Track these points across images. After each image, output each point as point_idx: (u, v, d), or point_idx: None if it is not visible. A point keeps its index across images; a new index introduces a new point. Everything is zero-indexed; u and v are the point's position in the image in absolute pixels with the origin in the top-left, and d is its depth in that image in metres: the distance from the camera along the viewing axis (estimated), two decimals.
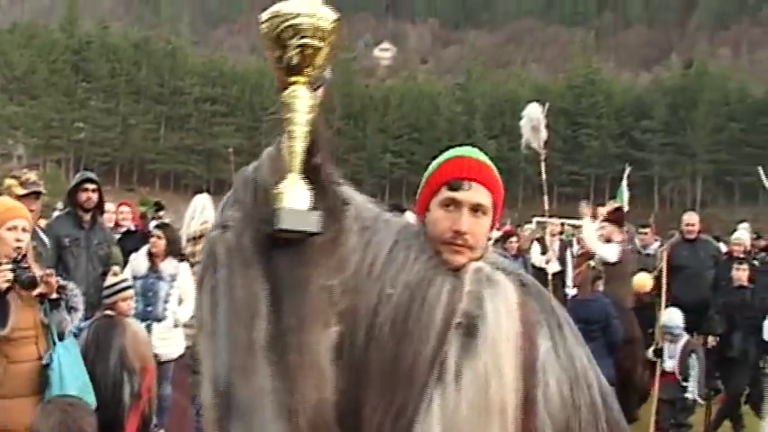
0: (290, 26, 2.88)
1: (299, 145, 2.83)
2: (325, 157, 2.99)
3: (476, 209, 3.21)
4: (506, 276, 3.17)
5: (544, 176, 14.18)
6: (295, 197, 2.75)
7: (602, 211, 18.30)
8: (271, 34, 2.92)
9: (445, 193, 3.25)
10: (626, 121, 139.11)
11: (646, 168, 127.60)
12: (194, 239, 11.39)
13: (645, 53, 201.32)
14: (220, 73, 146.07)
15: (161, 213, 22.20)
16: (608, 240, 13.63)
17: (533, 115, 13.64)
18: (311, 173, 2.92)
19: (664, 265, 12.32)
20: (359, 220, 3.12)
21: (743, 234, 16.21)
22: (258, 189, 3.00)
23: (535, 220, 39.58)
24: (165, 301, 10.74)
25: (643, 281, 13.29)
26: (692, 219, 14.88)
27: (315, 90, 3.02)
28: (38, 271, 6.45)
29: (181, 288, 10.93)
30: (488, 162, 3.40)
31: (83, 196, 10.28)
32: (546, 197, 15.25)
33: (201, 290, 2.97)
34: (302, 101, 2.87)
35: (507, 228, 24.42)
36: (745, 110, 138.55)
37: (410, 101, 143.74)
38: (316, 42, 2.89)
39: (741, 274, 12.78)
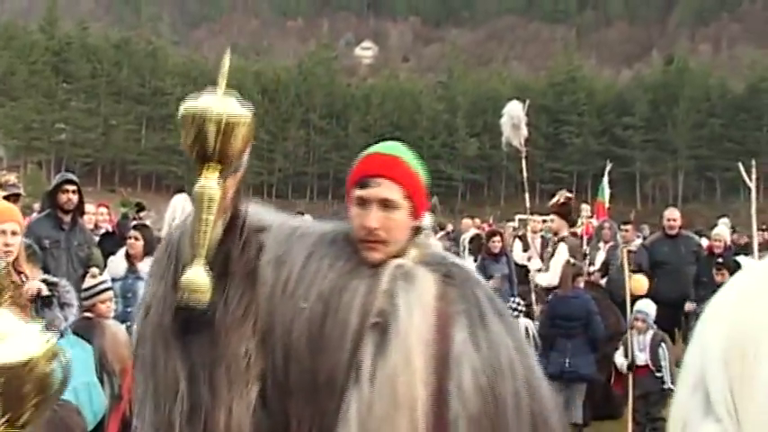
0: (205, 120, 2.96)
1: (205, 237, 2.85)
2: (235, 240, 3.04)
3: (385, 204, 3.29)
4: (429, 270, 3.26)
5: (525, 174, 14.22)
6: (197, 284, 2.84)
7: (586, 208, 18.33)
8: (187, 126, 2.98)
9: (355, 192, 3.38)
10: (607, 118, 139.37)
11: (627, 165, 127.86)
12: None
13: (626, 50, 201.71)
14: (201, 73, 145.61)
15: (142, 214, 22.17)
16: (555, 234, 13.57)
17: (514, 113, 13.66)
18: (221, 258, 3.00)
19: (625, 263, 12.31)
20: (273, 248, 3.22)
21: (723, 230, 16.26)
22: (177, 265, 3.12)
23: (517, 217, 39.64)
24: None
25: (640, 282, 13.27)
26: (672, 214, 14.92)
27: (229, 176, 3.07)
28: (32, 273, 6.38)
29: None
30: (402, 156, 3.49)
31: (63, 197, 10.25)
32: (527, 194, 15.27)
33: (134, 364, 3.19)
34: (212, 193, 2.90)
35: (490, 226, 24.42)
36: (725, 106, 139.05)
37: (392, 99, 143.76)
38: (229, 137, 2.94)
39: (721, 278, 12.79)
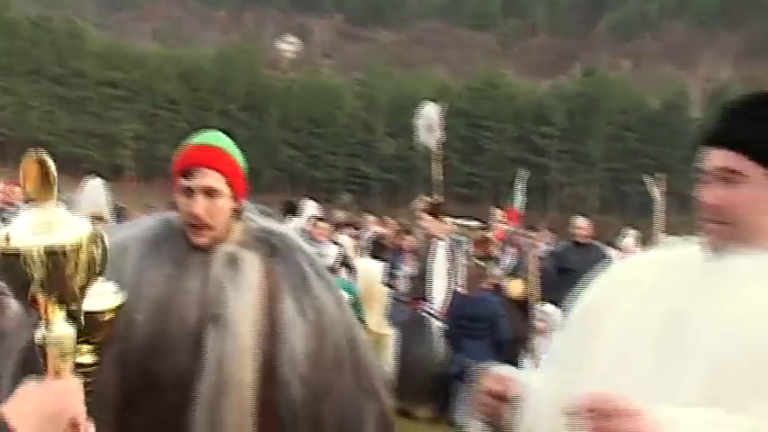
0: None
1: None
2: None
3: (209, 192, 3.53)
4: (253, 249, 3.58)
5: (439, 176, 14.28)
6: None
7: (499, 213, 18.43)
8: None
9: (181, 182, 3.58)
10: (525, 125, 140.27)
11: (543, 173, 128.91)
12: None
13: (548, 60, 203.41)
14: (122, 57, 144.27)
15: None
16: (430, 237, 13.65)
17: (429, 115, 13.75)
18: None
19: (531, 268, 12.47)
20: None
21: (630, 241, 16.55)
22: None
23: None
24: None
25: (514, 285, 13.49)
26: (581, 223, 15.15)
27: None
28: None
29: None
30: (222, 146, 3.69)
31: None
32: (441, 197, 15.36)
33: None
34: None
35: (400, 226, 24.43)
36: (642, 121, 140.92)
37: (312, 95, 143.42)
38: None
39: None
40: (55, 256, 2.12)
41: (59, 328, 2.21)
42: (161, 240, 3.58)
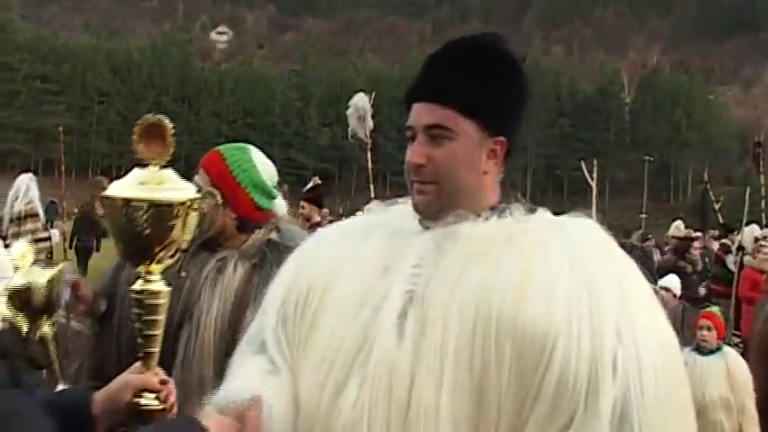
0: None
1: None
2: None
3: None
4: (247, 259, 3.78)
5: (370, 165, 14.31)
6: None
7: None
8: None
9: None
10: None
11: None
12: (18, 220, 11.11)
13: None
14: (52, 49, 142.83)
15: None
16: (307, 220, 13.52)
17: (359, 104, 13.66)
18: None
19: None
20: None
21: None
22: None
23: (366, 208, 39.83)
24: None
25: None
26: None
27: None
28: None
29: None
30: (224, 153, 4.00)
31: None
32: (372, 185, 15.35)
33: None
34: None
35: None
36: (575, 106, 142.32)
37: (245, 85, 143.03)
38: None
39: None
40: (162, 211, 2.30)
41: (156, 282, 2.37)
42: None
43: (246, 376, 2.34)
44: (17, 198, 11.74)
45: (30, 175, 12.34)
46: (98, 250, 26.30)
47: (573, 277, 2.15)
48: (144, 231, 2.30)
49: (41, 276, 4.16)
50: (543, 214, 2.41)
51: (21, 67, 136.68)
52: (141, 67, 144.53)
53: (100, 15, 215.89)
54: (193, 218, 2.39)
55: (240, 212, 3.88)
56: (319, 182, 13.70)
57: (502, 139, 2.40)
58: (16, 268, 4.21)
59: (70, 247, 14.94)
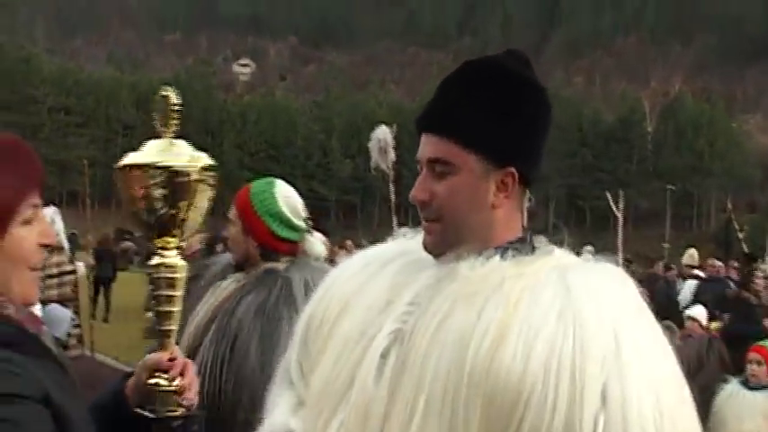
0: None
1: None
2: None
3: (230, 220, 4.33)
4: (238, 281, 4.16)
5: (393, 197, 14.34)
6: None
7: None
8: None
9: None
10: None
11: None
12: None
13: None
14: (76, 82, 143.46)
15: None
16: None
17: (381, 137, 13.72)
18: None
19: None
20: None
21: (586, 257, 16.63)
22: None
23: (389, 240, 39.95)
24: None
25: None
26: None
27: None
28: None
29: None
30: (252, 187, 4.36)
31: None
32: (395, 218, 15.36)
33: None
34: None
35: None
36: (597, 136, 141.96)
37: (268, 117, 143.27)
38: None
39: None
40: (178, 176, 2.33)
41: (173, 256, 2.34)
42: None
43: (279, 412, 2.32)
44: None
45: (54, 208, 12.39)
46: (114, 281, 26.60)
47: (558, 328, 2.01)
48: (158, 200, 2.30)
49: None
50: (551, 254, 2.28)
51: (45, 99, 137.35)
52: None
53: (123, 48, 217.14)
54: (207, 190, 2.40)
55: (259, 240, 4.16)
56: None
57: (512, 170, 2.25)
58: None
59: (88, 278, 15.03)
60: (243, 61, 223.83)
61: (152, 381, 2.28)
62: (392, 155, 13.66)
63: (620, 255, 13.07)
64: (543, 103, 2.39)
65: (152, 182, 2.31)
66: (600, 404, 1.95)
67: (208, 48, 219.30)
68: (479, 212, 2.24)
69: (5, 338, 1.86)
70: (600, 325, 2.03)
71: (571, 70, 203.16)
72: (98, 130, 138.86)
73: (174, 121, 2.50)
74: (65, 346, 10.35)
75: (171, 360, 2.30)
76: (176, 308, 2.34)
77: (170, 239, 2.35)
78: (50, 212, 12.18)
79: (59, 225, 11.95)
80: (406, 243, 2.45)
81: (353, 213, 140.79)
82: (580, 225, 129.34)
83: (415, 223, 2.39)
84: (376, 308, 2.26)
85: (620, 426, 1.94)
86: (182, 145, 2.46)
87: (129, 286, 29.65)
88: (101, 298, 25.04)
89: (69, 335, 11.09)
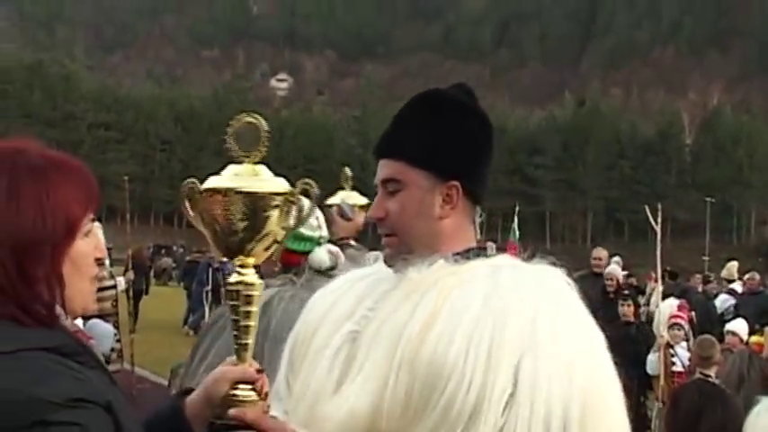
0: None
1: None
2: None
3: None
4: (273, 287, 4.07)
5: None
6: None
7: (491, 245, 18.47)
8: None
9: None
10: (519, 157, 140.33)
11: (537, 204, 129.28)
12: None
13: (539, 91, 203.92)
14: (115, 99, 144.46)
15: None
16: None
17: None
18: None
19: None
20: None
21: (614, 268, 16.46)
22: None
23: (368, 255, 40.19)
24: None
25: None
26: (601, 253, 15.14)
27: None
28: None
29: None
30: None
31: None
32: None
33: None
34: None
35: None
36: (635, 149, 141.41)
37: (305, 132, 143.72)
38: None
39: (627, 309, 13.03)
40: (258, 201, 2.42)
41: (251, 275, 2.44)
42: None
43: None
44: None
45: (96, 223, 12.46)
46: (147, 293, 26.82)
47: (482, 312, 2.19)
48: (240, 222, 2.42)
49: None
50: (492, 258, 2.47)
51: (85, 116, 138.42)
52: (202, 116, 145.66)
53: (162, 65, 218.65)
54: (289, 211, 2.49)
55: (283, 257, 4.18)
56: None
57: (455, 183, 2.46)
58: None
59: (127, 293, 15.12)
60: (280, 76, 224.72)
61: (237, 393, 2.35)
62: None
63: (659, 268, 12.98)
64: (482, 125, 2.65)
65: (233, 206, 2.41)
66: (511, 381, 2.10)
67: (245, 63, 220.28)
68: (427, 223, 2.45)
69: (67, 348, 1.95)
70: (520, 311, 2.19)
71: (608, 82, 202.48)
72: (137, 146, 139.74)
73: (263, 148, 2.59)
74: (107, 361, 10.43)
75: (258, 372, 2.39)
76: (253, 322, 2.43)
77: (248, 259, 2.46)
78: (94, 227, 12.31)
79: (101, 240, 12.06)
80: (380, 264, 2.60)
81: None
82: (618, 237, 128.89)
83: None
84: (342, 318, 2.46)
85: (527, 403, 2.07)
86: (263, 171, 2.56)
87: (164, 300, 29.89)
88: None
89: (112, 349, 11.16)
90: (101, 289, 11.68)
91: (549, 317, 2.20)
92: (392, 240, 2.49)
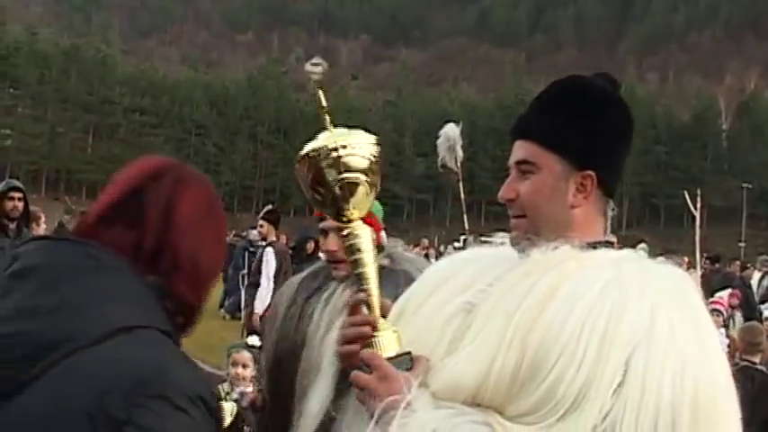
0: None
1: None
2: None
3: (339, 230, 4.04)
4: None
5: (463, 195, 14.26)
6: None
7: None
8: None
9: (318, 225, 4.26)
10: None
11: None
12: None
13: None
14: (150, 83, 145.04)
15: None
16: (264, 239, 14.53)
17: (449, 135, 13.62)
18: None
19: None
20: None
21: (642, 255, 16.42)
22: None
23: (462, 237, 40.01)
24: None
25: None
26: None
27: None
28: None
29: None
30: None
31: (8, 204, 10.02)
32: (465, 215, 15.32)
33: None
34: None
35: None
36: (671, 134, 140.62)
37: (340, 116, 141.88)
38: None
39: None
40: (353, 152, 2.54)
41: (357, 225, 2.54)
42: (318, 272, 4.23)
43: None
44: None
45: None
46: None
47: (599, 299, 2.17)
48: (339, 176, 2.52)
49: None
50: (618, 252, 2.42)
51: (121, 100, 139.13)
52: (237, 100, 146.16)
53: (197, 49, 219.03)
54: (377, 170, 2.58)
55: (377, 230, 4.09)
56: (275, 207, 15.01)
57: (590, 173, 2.45)
58: None
59: None
60: (315, 60, 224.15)
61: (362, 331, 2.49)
62: (460, 152, 13.58)
63: (698, 254, 12.89)
64: (624, 117, 2.62)
65: (326, 164, 2.55)
66: (621, 371, 2.08)
67: (280, 47, 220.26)
68: (558, 209, 2.44)
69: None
70: (640, 302, 2.16)
71: (644, 67, 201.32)
72: (172, 130, 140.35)
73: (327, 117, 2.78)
74: None
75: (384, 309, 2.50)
76: (366, 269, 2.52)
77: (351, 212, 2.56)
78: None
79: None
80: (500, 248, 2.60)
81: (426, 211, 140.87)
82: (654, 224, 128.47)
83: (487, 221, 2.53)
84: (458, 290, 2.45)
85: (637, 394, 2.05)
86: (350, 130, 2.70)
87: None
88: None
89: None
90: None
91: (668, 314, 2.16)
92: (520, 222, 2.48)
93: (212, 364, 15.39)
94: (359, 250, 2.54)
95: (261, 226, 14.62)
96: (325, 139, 2.66)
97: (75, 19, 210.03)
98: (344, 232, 2.58)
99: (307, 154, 2.66)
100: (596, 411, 2.05)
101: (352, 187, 2.55)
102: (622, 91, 2.64)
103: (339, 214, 2.60)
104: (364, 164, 2.58)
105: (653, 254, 2.43)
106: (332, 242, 4.01)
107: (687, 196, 12.16)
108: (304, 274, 4.37)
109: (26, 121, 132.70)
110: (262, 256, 14.30)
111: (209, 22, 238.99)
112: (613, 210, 2.59)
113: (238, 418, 4.79)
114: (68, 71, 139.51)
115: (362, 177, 2.56)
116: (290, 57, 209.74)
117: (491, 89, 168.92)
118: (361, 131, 2.70)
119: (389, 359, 2.37)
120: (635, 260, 2.37)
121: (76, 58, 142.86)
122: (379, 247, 3.93)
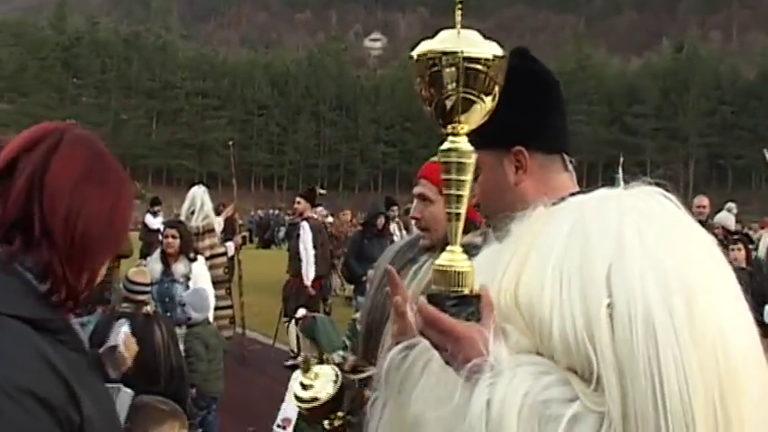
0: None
1: (463, 208, 2.30)
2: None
3: (423, 198, 4.11)
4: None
5: None
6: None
7: None
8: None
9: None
10: (617, 106, 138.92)
11: (638, 153, 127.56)
12: (196, 236, 11.18)
13: (635, 38, 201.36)
14: (211, 66, 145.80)
15: (156, 208, 22.25)
16: (300, 214, 14.62)
17: None
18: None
19: None
20: None
21: (723, 216, 16.17)
22: None
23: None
24: (183, 304, 9.34)
25: None
26: (703, 201, 14.98)
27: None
28: None
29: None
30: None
31: None
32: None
33: None
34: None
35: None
36: (736, 93, 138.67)
37: (401, 90, 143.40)
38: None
39: (738, 254, 12.61)
40: (471, 64, 2.25)
41: (463, 142, 2.30)
42: (414, 243, 4.17)
43: None
44: (192, 212, 11.90)
45: (203, 188, 12.42)
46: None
47: (568, 240, 2.15)
48: (450, 83, 2.26)
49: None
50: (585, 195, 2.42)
51: (183, 84, 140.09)
52: (298, 79, 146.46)
53: (256, 30, 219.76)
54: (495, 80, 2.27)
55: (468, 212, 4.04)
56: (313, 187, 15.52)
57: (519, 148, 2.53)
58: None
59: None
60: (374, 36, 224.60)
61: (442, 261, 2.24)
62: None
63: None
64: (529, 83, 2.72)
65: (438, 69, 2.27)
66: (606, 292, 2.02)
67: (338, 24, 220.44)
68: (508, 194, 2.54)
69: (52, 325, 2.01)
70: (605, 227, 2.12)
71: (707, 26, 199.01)
72: (235, 112, 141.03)
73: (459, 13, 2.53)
74: (220, 327, 10.48)
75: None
76: (465, 192, 2.27)
77: (460, 125, 2.31)
78: (200, 193, 12.31)
79: (208, 206, 12.08)
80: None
81: None
82: (721, 184, 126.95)
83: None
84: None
85: (624, 306, 1.99)
86: (472, 34, 2.40)
87: (265, 262, 30.05)
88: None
89: (220, 316, 11.13)
90: (213, 256, 11.81)
91: (635, 224, 2.11)
92: (487, 223, 2.58)
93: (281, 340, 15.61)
94: (461, 170, 2.30)
95: (298, 203, 14.86)
96: (453, 41, 2.33)
97: (135, 6, 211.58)
98: (450, 146, 2.30)
99: (424, 55, 2.30)
100: (607, 343, 1.98)
101: (473, 101, 2.29)
102: (685, 51, 2.65)
103: (449, 124, 2.33)
104: (490, 80, 2.28)
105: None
106: (417, 209, 4.08)
107: (766, 153, 11.98)
108: (402, 242, 4.39)
109: (90, 109, 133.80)
110: (299, 230, 14.51)
111: (266, 2, 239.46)
112: (571, 161, 2.66)
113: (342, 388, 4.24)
114: (130, 59, 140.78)
115: (487, 92, 2.30)
116: (348, 33, 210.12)
117: (551, 56, 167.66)
118: (491, 44, 2.38)
119: (456, 297, 2.16)
120: (599, 195, 2.32)
121: (137, 45, 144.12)
122: (473, 225, 3.76)
